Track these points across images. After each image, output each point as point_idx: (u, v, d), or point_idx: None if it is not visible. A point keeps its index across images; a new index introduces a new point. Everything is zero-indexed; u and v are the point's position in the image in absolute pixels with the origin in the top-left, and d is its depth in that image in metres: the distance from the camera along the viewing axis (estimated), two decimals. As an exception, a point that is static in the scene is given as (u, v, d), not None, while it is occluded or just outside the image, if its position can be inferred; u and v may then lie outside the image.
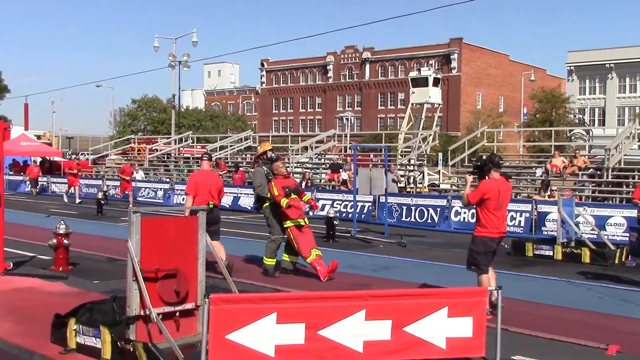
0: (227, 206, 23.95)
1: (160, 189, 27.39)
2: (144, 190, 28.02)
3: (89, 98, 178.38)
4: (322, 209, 20.82)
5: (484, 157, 8.14)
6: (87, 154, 51.67)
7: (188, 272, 5.97)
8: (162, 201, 26.50)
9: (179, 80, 41.74)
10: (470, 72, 78.38)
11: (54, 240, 10.13)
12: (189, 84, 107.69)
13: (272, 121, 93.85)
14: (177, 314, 5.90)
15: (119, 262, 10.57)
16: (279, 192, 9.84)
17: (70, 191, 26.19)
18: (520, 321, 7.15)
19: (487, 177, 7.67)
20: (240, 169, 27.49)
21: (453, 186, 25.02)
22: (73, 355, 5.77)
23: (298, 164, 30.43)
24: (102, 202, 21.03)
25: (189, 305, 5.97)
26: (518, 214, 17.05)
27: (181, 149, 37.91)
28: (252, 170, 11.31)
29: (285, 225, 10.04)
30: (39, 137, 51.60)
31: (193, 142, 39.58)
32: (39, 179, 32.14)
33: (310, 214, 11.56)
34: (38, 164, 37.04)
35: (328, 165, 29.12)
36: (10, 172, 35.19)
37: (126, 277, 5.70)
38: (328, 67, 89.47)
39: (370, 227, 17.97)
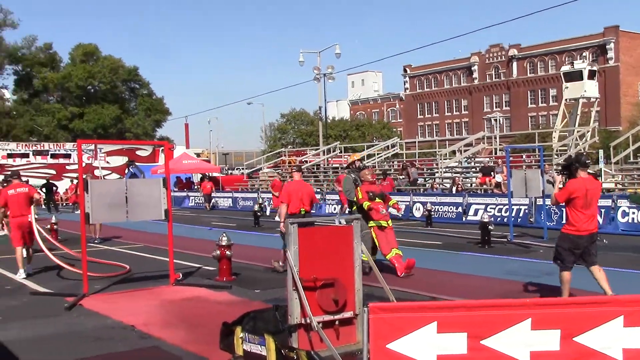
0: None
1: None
2: (296, 201, 28.84)
3: (241, 115, 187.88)
4: (475, 213, 20.29)
5: (572, 157, 8.32)
6: (242, 168, 54.32)
7: (345, 280, 6.03)
8: (314, 211, 27.10)
9: (324, 92, 42.80)
10: (630, 62, 72.91)
11: (218, 252, 10.69)
12: (333, 95, 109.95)
13: (417, 127, 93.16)
14: (337, 322, 5.97)
15: (277, 271, 10.96)
16: (362, 196, 10.91)
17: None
18: None
19: (575, 177, 7.86)
20: (389, 176, 27.47)
21: (618, 185, 23.32)
22: (241, 362, 6.02)
23: (447, 169, 29.87)
24: (258, 214, 21.94)
25: (347, 314, 6.02)
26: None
27: (329, 159, 38.68)
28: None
29: (369, 225, 10.85)
30: (198, 154, 55.17)
31: (341, 152, 40.28)
32: (212, 194, 33.81)
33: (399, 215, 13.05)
34: (202, 180, 39.39)
35: (478, 169, 28.31)
36: (174, 189, 37.82)
37: (286, 286, 5.87)
38: (473, 68, 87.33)
39: (527, 232, 17.21)
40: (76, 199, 24.20)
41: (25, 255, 11.71)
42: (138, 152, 45.20)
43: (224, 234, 11.04)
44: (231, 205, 33.05)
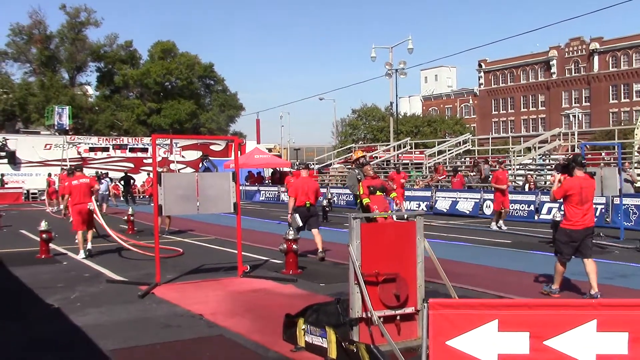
0: (445, 210, 23.76)
1: (381, 195, 28.00)
2: (366, 197, 28.85)
3: (313, 111, 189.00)
4: (549, 212, 19.76)
5: (570, 158, 9.10)
6: (313, 163, 54.71)
7: (407, 276, 6.05)
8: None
9: (396, 87, 42.49)
10: None
11: (284, 246, 10.88)
12: (406, 91, 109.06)
13: (491, 123, 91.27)
14: (398, 317, 5.99)
15: (342, 266, 11.03)
16: (364, 191, 11.90)
17: None
18: None
19: (572, 176, 8.58)
20: (459, 172, 27.08)
21: None
22: (302, 353, 6.14)
23: (520, 166, 29.17)
24: (327, 209, 22.08)
25: (409, 310, 6.04)
26: None
27: (400, 155, 38.46)
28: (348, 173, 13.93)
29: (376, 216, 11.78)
30: (270, 149, 55.90)
31: (411, 148, 39.95)
32: (323, 189, 33.74)
33: (396, 207, 13.75)
34: (273, 174, 39.85)
35: (554, 166, 27.47)
36: (246, 183, 38.51)
37: (349, 280, 5.94)
38: (551, 63, 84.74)
39: (603, 232, 16.60)
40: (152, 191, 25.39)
41: (84, 238, 13.21)
42: (212, 147, 46.26)
43: (291, 228, 11.22)
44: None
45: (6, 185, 38.04)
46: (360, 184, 12.12)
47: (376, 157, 38.74)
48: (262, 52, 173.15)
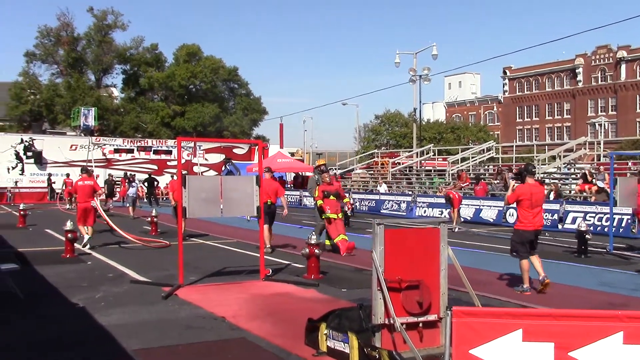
0: (469, 218, 23.62)
1: (403, 202, 27.96)
2: (388, 203, 28.82)
3: (336, 116, 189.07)
4: (573, 222, 19.56)
5: (522, 167, 10.28)
6: (335, 168, 54.70)
7: (430, 283, 6.03)
8: (405, 213, 27.03)
9: (420, 93, 42.40)
10: None
11: (307, 250, 10.90)
12: (429, 97, 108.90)
13: (515, 130, 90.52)
14: (420, 324, 5.98)
15: (365, 271, 11.04)
16: (318, 195, 14.37)
17: None
18: None
19: (524, 182, 9.71)
20: (482, 180, 26.91)
21: None
22: (324, 358, 6.15)
23: (545, 175, 28.90)
24: (349, 214, 22.04)
25: (431, 317, 6.02)
26: None
27: (423, 161, 38.33)
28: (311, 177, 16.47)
29: (323, 217, 14.30)
30: (292, 154, 56.03)
31: (434, 155, 39.79)
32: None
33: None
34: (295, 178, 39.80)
35: (579, 175, 27.20)
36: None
37: (371, 286, 5.94)
38: (577, 71, 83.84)
39: (629, 243, 16.40)
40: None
41: (86, 232, 15.10)
42: (235, 150, 46.51)
43: (313, 233, 11.24)
44: (323, 204, 33.35)
45: (54, 185, 38.49)
46: (317, 188, 14.58)
47: (398, 164, 38.67)
48: (286, 57, 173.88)
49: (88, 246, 14.80)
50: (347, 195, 28.42)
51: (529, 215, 9.57)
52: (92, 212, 15.24)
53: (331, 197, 14.30)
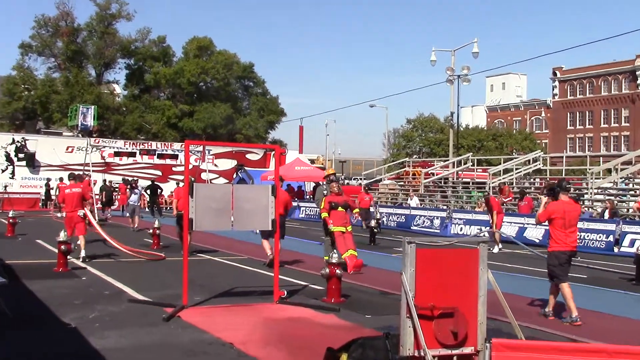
0: (512, 237, 23.42)
1: (437, 218, 27.84)
2: (419, 219, 28.72)
3: (362, 119, 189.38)
4: (631, 244, 19.34)
5: (556, 182, 10.73)
6: (360, 178, 54.69)
7: (467, 311, 5.97)
8: (438, 231, 26.91)
9: (458, 96, 42.25)
10: None
11: (327, 270, 10.87)
12: (468, 100, 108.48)
13: (566, 139, 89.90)
14: (454, 358, 5.91)
15: (392, 296, 10.98)
16: (324, 206, 14.85)
17: None
18: None
19: (557, 199, 9.91)
20: (528, 195, 26.68)
21: None
22: (344, 392, 6.10)
23: (599, 190, 28.59)
24: (375, 230, 22.01)
25: (467, 349, 5.95)
26: None
27: (460, 172, 38.16)
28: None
29: (330, 230, 14.61)
30: (312, 161, 56.12)
31: (473, 165, 39.57)
32: (371, 208, 28.32)
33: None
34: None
35: (638, 192, 26.88)
36: (285, 198, 38.49)
37: (400, 313, 5.89)
38: (638, 73, 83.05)
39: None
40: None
41: (79, 242, 15.52)
42: (248, 156, 46.74)
43: (335, 251, 11.21)
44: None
45: (52, 190, 38.85)
46: (324, 199, 15.05)
47: (432, 174, 38.54)
48: (307, 53, 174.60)
49: (82, 258, 15.13)
50: (375, 204, 28.20)
51: (563, 235, 9.79)
52: (81, 221, 15.54)
53: (339, 209, 14.75)
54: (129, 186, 28.89)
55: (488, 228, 22.22)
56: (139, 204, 26.48)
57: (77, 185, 16.10)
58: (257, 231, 15.74)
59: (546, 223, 10.23)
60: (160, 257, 16.38)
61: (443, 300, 5.87)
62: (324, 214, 14.77)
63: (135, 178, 34.16)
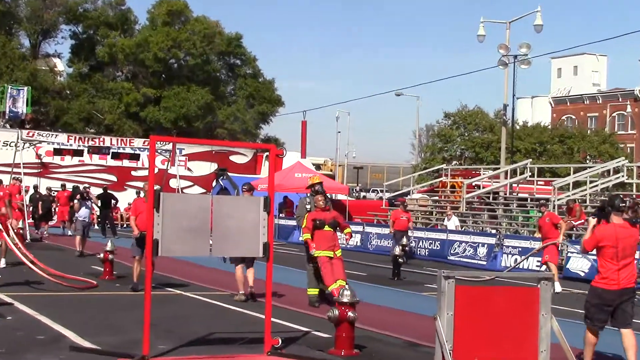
0: (582, 274, 23.38)
1: (483, 244, 27.77)
2: (459, 246, 28.66)
3: (385, 112, 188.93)
4: None
5: (607, 200, 10.69)
6: (381, 190, 54.60)
7: (523, 369, 5.98)
8: (484, 262, 26.85)
9: (514, 83, 42.15)
10: None
11: (336, 312, 10.83)
12: (528, 89, 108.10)
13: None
14: None
15: (422, 348, 10.94)
16: (306, 225, 15.05)
17: None
18: None
19: (608, 222, 9.87)
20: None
21: None
22: None
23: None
24: (400, 261, 21.86)
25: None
26: None
27: (515, 185, 38.06)
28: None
29: (316, 255, 14.85)
30: (318, 166, 56.16)
31: (532, 176, 39.43)
32: (409, 232, 28.56)
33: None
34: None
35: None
36: (280, 215, 38.49)
37: (432, 370, 5.90)
38: None
39: None
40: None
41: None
42: (232, 158, 46.66)
43: (347, 287, 11.20)
44: (360, 244, 33.34)
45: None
46: (306, 216, 15.36)
47: (478, 187, 38.42)
48: (313, 24, 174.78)
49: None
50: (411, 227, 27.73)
51: (613, 268, 9.67)
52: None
53: (325, 228, 14.93)
54: (79, 196, 28.30)
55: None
56: (89, 220, 26.15)
57: None
58: (227, 258, 15.67)
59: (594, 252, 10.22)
60: (92, 285, 16.91)
61: (492, 353, 5.89)
62: (306, 235, 15.06)
63: (87, 185, 33.31)
